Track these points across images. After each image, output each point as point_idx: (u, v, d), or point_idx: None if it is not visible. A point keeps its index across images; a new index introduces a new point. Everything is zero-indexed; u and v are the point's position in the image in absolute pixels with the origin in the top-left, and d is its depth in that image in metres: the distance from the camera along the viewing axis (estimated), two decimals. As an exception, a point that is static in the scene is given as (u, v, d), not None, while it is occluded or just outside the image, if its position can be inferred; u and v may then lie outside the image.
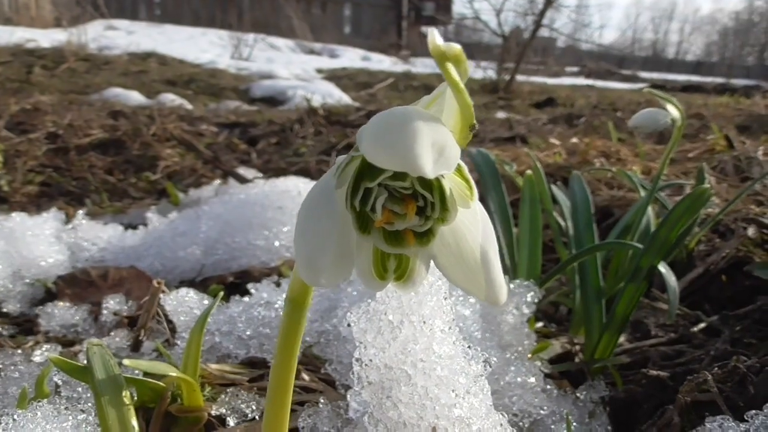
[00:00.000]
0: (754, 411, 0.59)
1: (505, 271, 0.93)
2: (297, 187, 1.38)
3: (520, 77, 10.78)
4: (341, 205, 0.24)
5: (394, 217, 0.23)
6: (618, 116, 4.47)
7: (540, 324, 0.97)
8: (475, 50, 10.59)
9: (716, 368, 0.66)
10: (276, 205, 1.33)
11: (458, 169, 0.24)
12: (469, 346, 0.53)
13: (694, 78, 19.12)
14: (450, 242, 0.24)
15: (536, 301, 0.82)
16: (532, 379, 0.69)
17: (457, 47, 0.24)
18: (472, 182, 0.25)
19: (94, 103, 3.78)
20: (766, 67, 25.67)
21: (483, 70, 7.82)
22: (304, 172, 2.33)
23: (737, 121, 3.87)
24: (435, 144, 0.21)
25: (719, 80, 17.49)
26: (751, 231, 1.24)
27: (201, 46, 13.31)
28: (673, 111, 0.92)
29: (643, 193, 1.17)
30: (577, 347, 0.90)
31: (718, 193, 1.65)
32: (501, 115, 5.31)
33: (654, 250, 0.77)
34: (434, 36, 0.24)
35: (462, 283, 0.25)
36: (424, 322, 0.51)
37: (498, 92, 7.51)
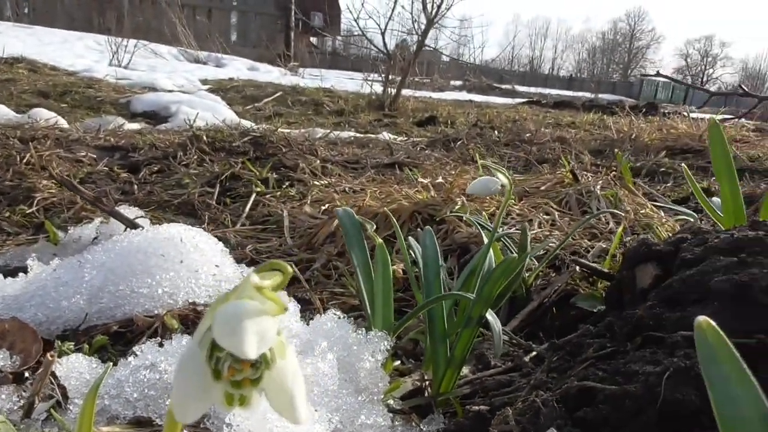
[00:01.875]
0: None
1: (367, 321, 1.08)
2: (179, 234, 1.46)
3: (406, 92, 11.18)
4: (203, 361, 0.36)
5: (236, 372, 0.36)
6: (493, 138, 4.81)
7: (398, 362, 1.13)
8: (364, 64, 10.84)
9: (519, 402, 0.84)
10: (159, 252, 1.40)
11: (278, 334, 0.37)
12: (316, 409, 0.67)
13: (567, 93, 20.62)
14: (274, 379, 0.37)
15: (389, 348, 0.97)
16: (380, 419, 0.83)
17: (270, 283, 0.37)
18: (285, 342, 0.38)
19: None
20: (629, 84, 28.21)
21: (370, 86, 8.05)
22: (187, 206, 2.38)
23: (593, 146, 4.32)
24: (258, 333, 0.34)
25: (588, 95, 19.00)
26: (578, 267, 1.47)
27: (77, 51, 12.61)
28: (502, 178, 1.11)
29: (487, 238, 1.36)
30: (427, 382, 1.06)
31: (561, 227, 1.90)
32: (385, 135, 5.53)
33: (481, 302, 0.95)
34: (252, 277, 0.37)
35: (279, 408, 0.38)
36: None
37: (384, 109, 7.76)
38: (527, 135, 4.52)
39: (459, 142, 4.48)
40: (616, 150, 3.70)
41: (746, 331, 0.90)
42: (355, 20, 8.09)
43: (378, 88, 8.06)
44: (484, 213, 1.82)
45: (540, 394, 0.84)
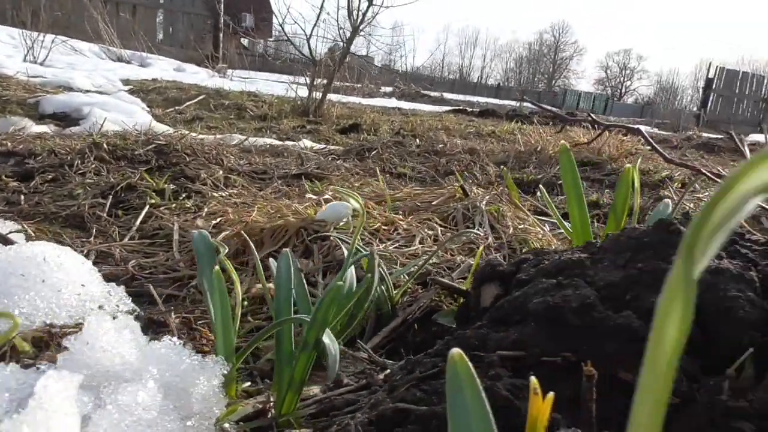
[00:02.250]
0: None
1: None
2: (43, 253, 1.43)
3: (335, 97, 11.19)
4: None
5: None
6: (408, 148, 4.90)
7: (249, 384, 1.15)
8: (295, 67, 10.75)
9: (334, 426, 0.88)
10: (19, 272, 1.36)
11: None
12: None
13: (494, 101, 21.19)
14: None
15: (224, 372, 0.99)
16: (207, 445, 0.86)
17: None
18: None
19: None
20: (554, 93, 29.31)
21: (295, 91, 8.03)
22: (76, 218, 2.31)
23: (500, 158, 4.48)
24: None
25: (514, 104, 19.56)
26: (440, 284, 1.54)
27: (-14, 45, 11.95)
28: (354, 203, 1.16)
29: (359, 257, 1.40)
30: (272, 403, 1.09)
31: (442, 242, 1.97)
32: (305, 143, 5.53)
33: (316, 327, 0.98)
34: None
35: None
36: None
37: (308, 115, 7.75)
38: (440, 146, 4.63)
39: (374, 152, 4.54)
40: (503, 167, 3.85)
41: (557, 350, 0.97)
42: (281, 25, 8.04)
43: (304, 93, 8.04)
44: (366, 230, 1.87)
45: (356, 416, 0.88)
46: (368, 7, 7.07)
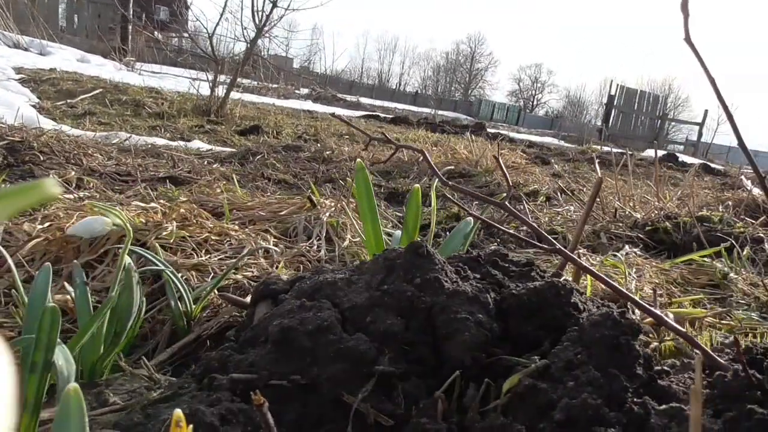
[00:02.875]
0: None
1: None
2: None
3: (246, 96, 11.00)
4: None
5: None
6: (304, 153, 4.87)
7: None
8: (199, 65, 10.46)
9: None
10: None
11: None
12: None
13: (411, 108, 21.48)
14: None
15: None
16: None
17: None
18: None
19: None
20: (469, 102, 30.13)
21: (197, 89, 7.82)
22: None
23: (384, 167, 4.53)
24: None
25: (429, 111, 19.89)
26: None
27: None
28: (116, 219, 1.13)
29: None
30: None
31: (271, 256, 1.96)
32: (197, 144, 5.39)
33: (42, 347, 0.95)
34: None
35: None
36: None
37: (209, 114, 7.56)
38: (327, 153, 4.64)
39: (259, 157, 4.48)
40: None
41: (287, 372, 0.98)
42: (183, 24, 7.81)
43: (206, 91, 7.84)
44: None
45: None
46: (272, 9, 7.00)
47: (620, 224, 2.89)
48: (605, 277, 1.07)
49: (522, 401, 0.90)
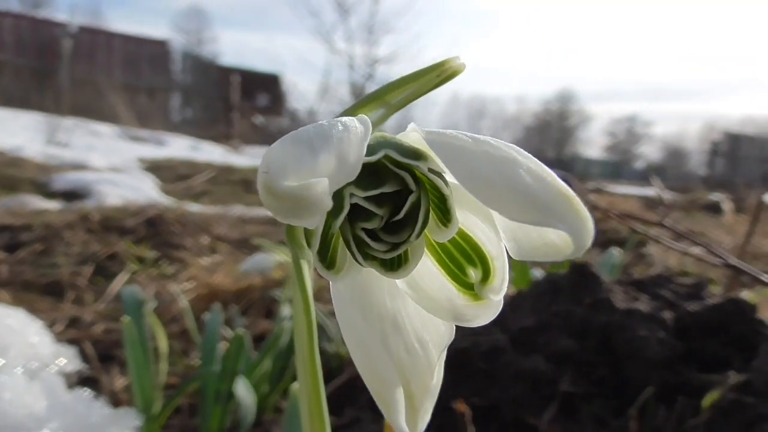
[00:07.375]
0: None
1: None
2: None
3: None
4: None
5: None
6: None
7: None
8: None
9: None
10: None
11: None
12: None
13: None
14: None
15: (138, 424, 0.99)
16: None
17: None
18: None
19: None
20: (562, 161, 29.75)
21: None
22: (55, 285, 2.36)
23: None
24: None
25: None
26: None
27: (11, 130, 12.46)
28: (281, 256, 1.19)
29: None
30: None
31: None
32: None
33: (227, 377, 0.99)
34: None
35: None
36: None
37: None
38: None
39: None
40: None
41: (467, 395, 0.96)
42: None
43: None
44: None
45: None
46: (364, 87, 7.32)
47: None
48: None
49: (725, 417, 0.84)
